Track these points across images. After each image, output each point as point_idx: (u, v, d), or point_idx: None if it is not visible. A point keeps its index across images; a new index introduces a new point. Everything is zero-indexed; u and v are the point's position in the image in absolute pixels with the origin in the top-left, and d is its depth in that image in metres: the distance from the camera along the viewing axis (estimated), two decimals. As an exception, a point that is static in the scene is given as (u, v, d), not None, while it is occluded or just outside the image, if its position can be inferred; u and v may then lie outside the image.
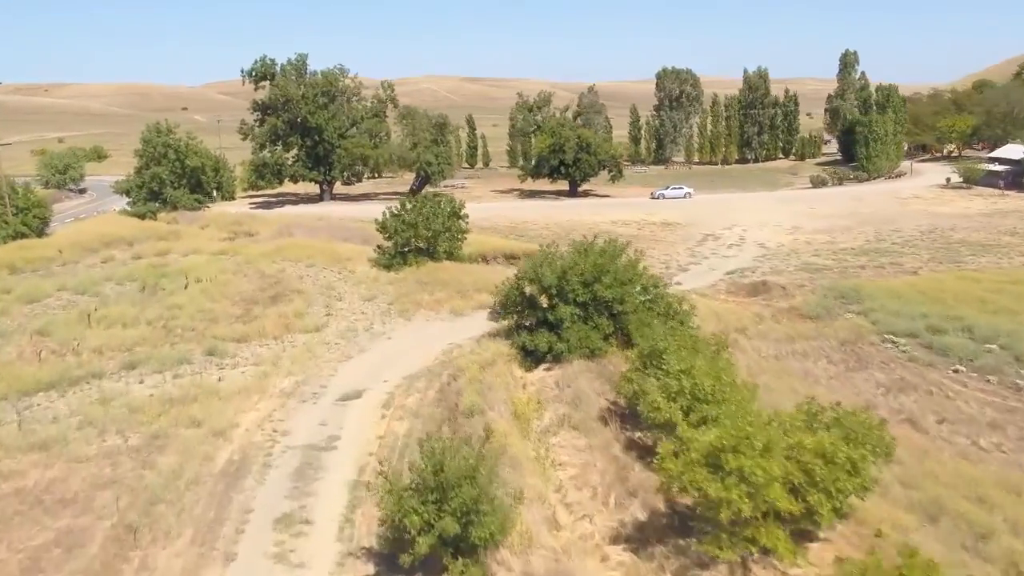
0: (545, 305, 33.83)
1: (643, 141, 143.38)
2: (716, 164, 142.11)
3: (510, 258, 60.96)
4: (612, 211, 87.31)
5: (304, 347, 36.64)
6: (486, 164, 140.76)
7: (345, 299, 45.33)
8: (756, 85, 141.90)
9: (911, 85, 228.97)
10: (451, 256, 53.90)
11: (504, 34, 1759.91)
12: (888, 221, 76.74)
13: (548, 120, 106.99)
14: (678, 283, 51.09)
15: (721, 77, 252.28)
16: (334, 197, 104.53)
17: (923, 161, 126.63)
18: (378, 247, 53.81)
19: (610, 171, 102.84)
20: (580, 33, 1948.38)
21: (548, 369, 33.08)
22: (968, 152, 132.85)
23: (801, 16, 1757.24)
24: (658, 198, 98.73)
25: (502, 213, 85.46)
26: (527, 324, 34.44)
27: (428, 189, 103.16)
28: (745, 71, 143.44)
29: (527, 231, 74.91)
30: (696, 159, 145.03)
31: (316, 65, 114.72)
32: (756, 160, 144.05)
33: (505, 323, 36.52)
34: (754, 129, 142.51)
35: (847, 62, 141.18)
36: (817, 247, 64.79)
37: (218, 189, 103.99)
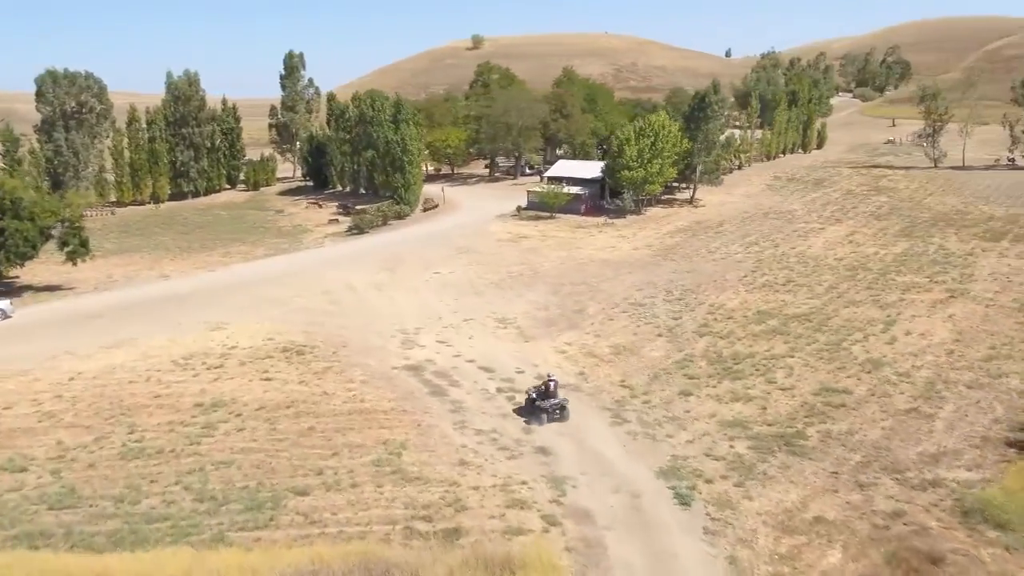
0: None
1: (30, 177, 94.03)
2: (146, 203, 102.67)
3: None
4: (99, 334, 45.37)
5: None
6: None
7: None
8: (186, 94, 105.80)
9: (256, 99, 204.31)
10: None
11: None
12: (590, 288, 54.74)
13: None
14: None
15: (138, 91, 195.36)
16: None
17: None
18: None
19: (64, 243, 58.29)
20: None
21: None
22: (463, 170, 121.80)
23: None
24: None
25: None
26: None
27: None
28: (169, 75, 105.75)
29: None
30: (114, 198, 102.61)
31: None
32: (197, 194, 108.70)
33: None
34: (190, 153, 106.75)
35: (292, 66, 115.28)
36: (626, 370, 38.93)
37: None
